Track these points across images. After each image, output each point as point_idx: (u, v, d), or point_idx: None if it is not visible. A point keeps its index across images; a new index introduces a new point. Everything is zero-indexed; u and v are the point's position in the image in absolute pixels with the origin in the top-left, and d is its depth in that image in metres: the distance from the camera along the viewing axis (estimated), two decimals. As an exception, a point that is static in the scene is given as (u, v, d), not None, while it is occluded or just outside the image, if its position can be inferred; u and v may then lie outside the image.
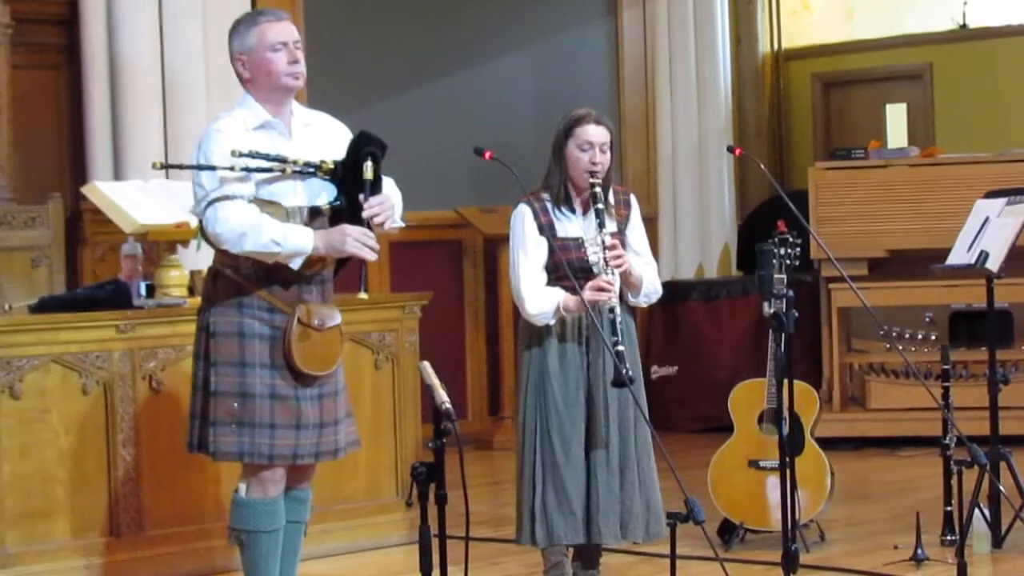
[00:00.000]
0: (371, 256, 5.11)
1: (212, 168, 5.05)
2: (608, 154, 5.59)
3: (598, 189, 5.53)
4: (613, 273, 5.47)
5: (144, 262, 6.77)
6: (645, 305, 5.77)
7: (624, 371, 5.28)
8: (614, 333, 5.39)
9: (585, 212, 5.62)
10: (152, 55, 8.60)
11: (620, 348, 5.35)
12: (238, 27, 5.24)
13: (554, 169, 5.62)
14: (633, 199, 5.76)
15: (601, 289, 5.45)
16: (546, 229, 5.55)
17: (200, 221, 5.17)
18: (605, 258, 5.48)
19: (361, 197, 5.11)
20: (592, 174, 5.54)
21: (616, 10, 11.07)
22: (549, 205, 5.61)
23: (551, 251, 5.53)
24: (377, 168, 5.14)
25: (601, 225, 5.51)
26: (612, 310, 5.43)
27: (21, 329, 6.18)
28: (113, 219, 6.76)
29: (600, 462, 5.56)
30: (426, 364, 4.71)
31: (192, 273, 6.71)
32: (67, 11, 8.70)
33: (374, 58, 9.83)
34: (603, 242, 5.49)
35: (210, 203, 5.06)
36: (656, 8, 11.08)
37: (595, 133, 5.58)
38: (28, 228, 8.11)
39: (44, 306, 6.41)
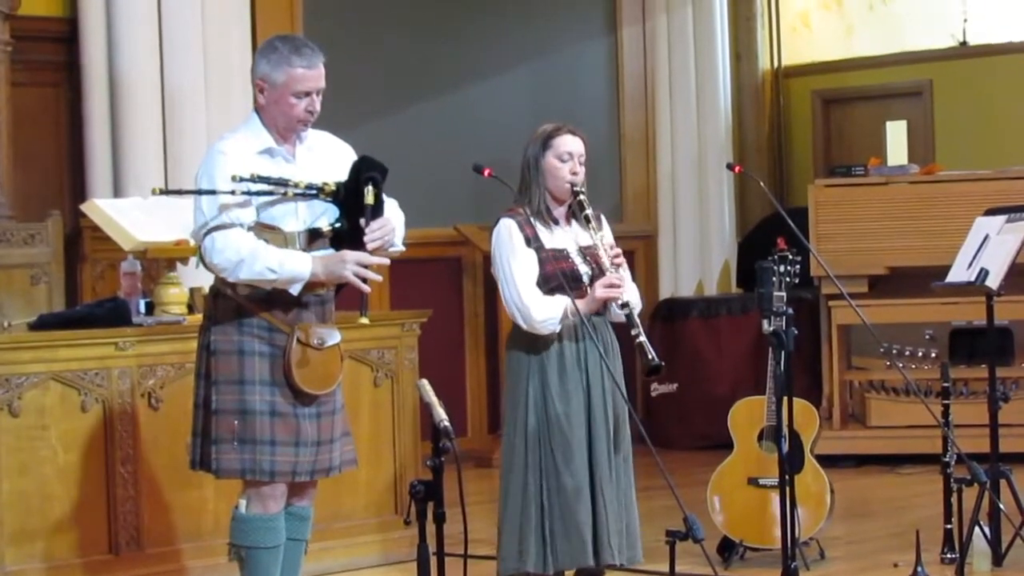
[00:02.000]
0: (367, 288, 5.10)
1: (213, 192, 5.05)
2: (583, 168, 5.57)
3: (583, 197, 5.52)
4: (617, 271, 5.48)
5: (143, 279, 6.77)
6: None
7: (650, 357, 5.31)
8: (633, 325, 5.40)
9: (568, 223, 5.60)
10: (152, 73, 8.62)
11: (642, 339, 5.36)
12: (271, 55, 5.14)
13: (530, 184, 5.56)
14: (603, 216, 5.72)
15: (612, 285, 5.45)
16: (532, 241, 5.52)
17: (198, 247, 5.17)
18: (609, 258, 5.48)
19: (362, 222, 5.11)
20: (572, 184, 5.53)
21: (616, 27, 11.08)
22: (531, 218, 5.56)
23: (540, 262, 5.49)
24: (378, 192, 5.13)
25: (594, 229, 5.50)
26: (625, 305, 5.45)
27: (20, 346, 6.18)
28: (112, 236, 6.76)
29: (605, 482, 5.51)
30: (424, 382, 4.70)
31: (191, 290, 6.71)
32: (67, 29, 8.71)
33: (373, 75, 9.84)
34: (601, 242, 5.49)
35: (208, 232, 5.06)
36: (656, 25, 11.09)
37: (573, 143, 5.56)
38: (27, 245, 8.11)
39: (43, 323, 6.42)
